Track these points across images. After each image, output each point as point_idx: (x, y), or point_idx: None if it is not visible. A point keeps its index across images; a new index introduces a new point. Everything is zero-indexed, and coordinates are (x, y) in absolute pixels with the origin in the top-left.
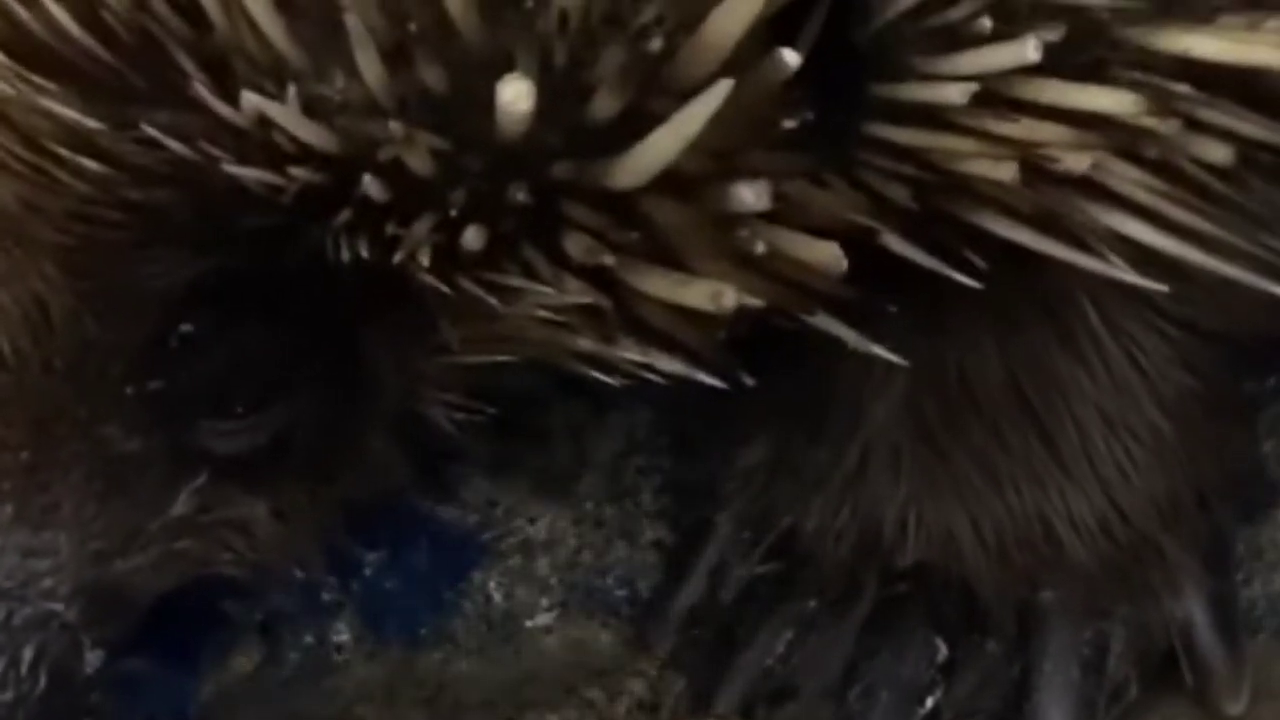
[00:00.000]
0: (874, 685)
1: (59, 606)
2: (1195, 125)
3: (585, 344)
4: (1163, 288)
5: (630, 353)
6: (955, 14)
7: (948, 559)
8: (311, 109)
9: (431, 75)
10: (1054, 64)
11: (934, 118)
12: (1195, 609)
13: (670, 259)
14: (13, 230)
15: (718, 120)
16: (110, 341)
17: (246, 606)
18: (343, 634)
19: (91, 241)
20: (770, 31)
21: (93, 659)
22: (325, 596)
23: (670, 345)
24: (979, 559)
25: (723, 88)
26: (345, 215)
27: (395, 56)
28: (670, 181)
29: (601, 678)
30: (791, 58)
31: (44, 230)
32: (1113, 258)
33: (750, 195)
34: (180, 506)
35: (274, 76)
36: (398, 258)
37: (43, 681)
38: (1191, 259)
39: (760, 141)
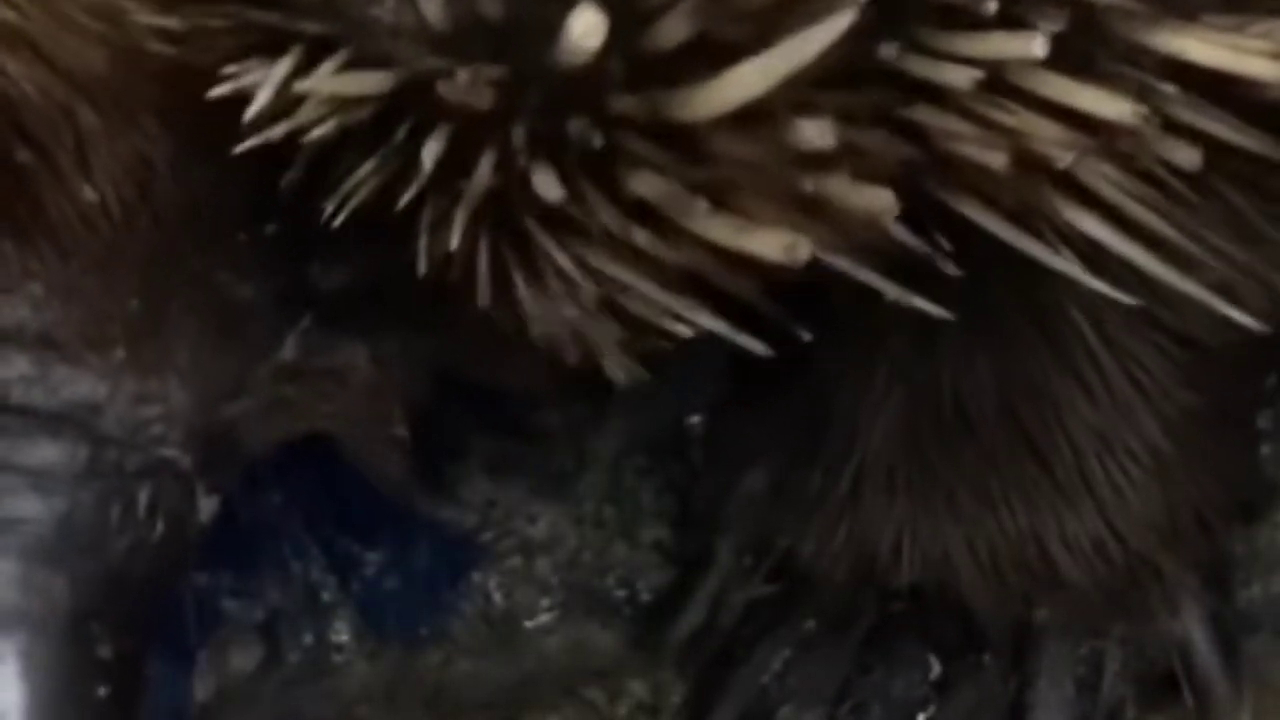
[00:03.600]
0: (866, 701)
1: (173, 453)
2: (1168, 126)
3: (644, 295)
4: (1129, 299)
5: (686, 309)
6: None
7: (943, 579)
8: (363, 36)
9: (488, 1)
10: (1050, 55)
11: (935, 95)
12: (1194, 628)
13: (732, 204)
14: (108, 90)
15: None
16: (218, 190)
17: (246, 606)
18: (342, 634)
19: (190, 97)
20: None
21: (207, 505)
22: (325, 596)
23: (720, 303)
24: (974, 579)
25: (827, 29)
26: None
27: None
28: (742, 115)
29: (602, 678)
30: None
31: (140, 88)
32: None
33: (816, 132)
34: (287, 351)
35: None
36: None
37: (159, 528)
38: (1151, 269)
39: (826, 76)
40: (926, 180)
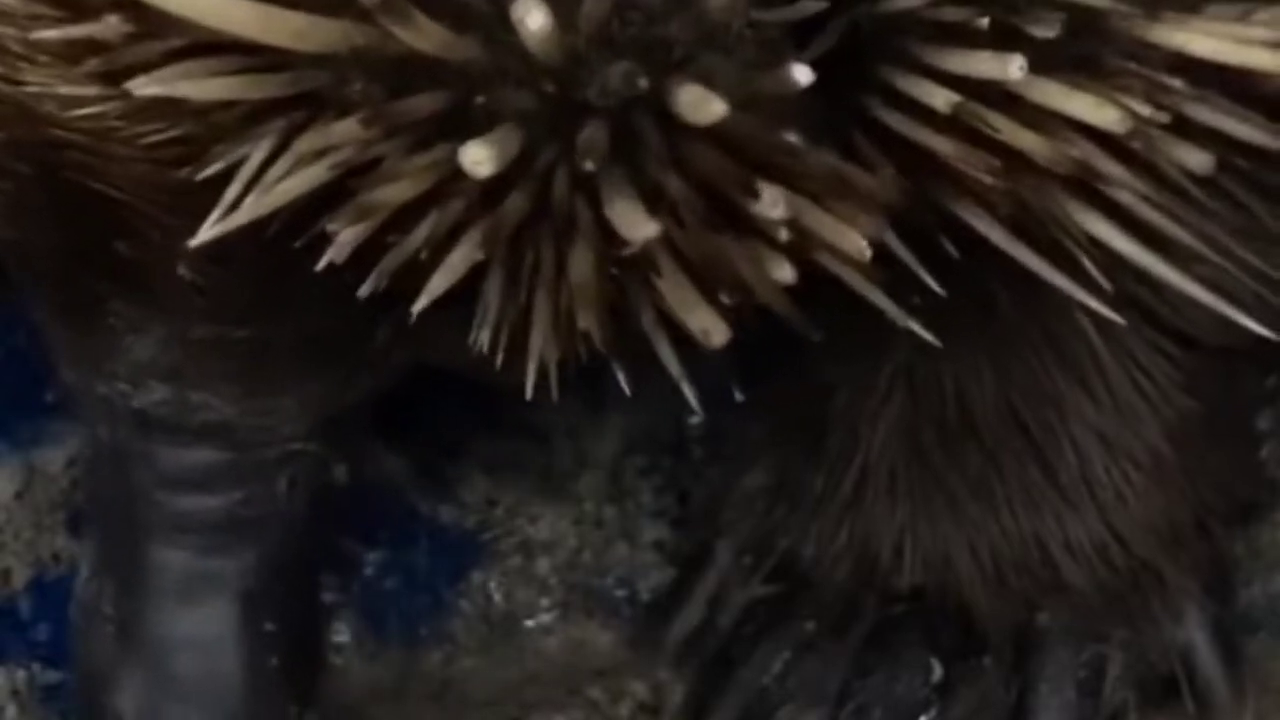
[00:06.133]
0: (867, 703)
1: (300, 444)
2: (1179, 129)
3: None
4: (1118, 319)
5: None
6: (957, 12)
7: (944, 582)
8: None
9: (428, 97)
10: (1048, 58)
11: (924, 110)
12: (1196, 634)
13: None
14: (175, 196)
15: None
16: (283, 252)
17: None
18: (343, 634)
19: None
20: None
21: (340, 472)
22: (325, 596)
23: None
24: (975, 582)
25: None
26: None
27: (393, 85)
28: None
29: (602, 678)
30: (803, 74)
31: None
32: (1086, 265)
33: (769, 201)
34: (380, 338)
35: None
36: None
37: (302, 505)
38: (1159, 272)
39: (773, 142)
40: (928, 187)
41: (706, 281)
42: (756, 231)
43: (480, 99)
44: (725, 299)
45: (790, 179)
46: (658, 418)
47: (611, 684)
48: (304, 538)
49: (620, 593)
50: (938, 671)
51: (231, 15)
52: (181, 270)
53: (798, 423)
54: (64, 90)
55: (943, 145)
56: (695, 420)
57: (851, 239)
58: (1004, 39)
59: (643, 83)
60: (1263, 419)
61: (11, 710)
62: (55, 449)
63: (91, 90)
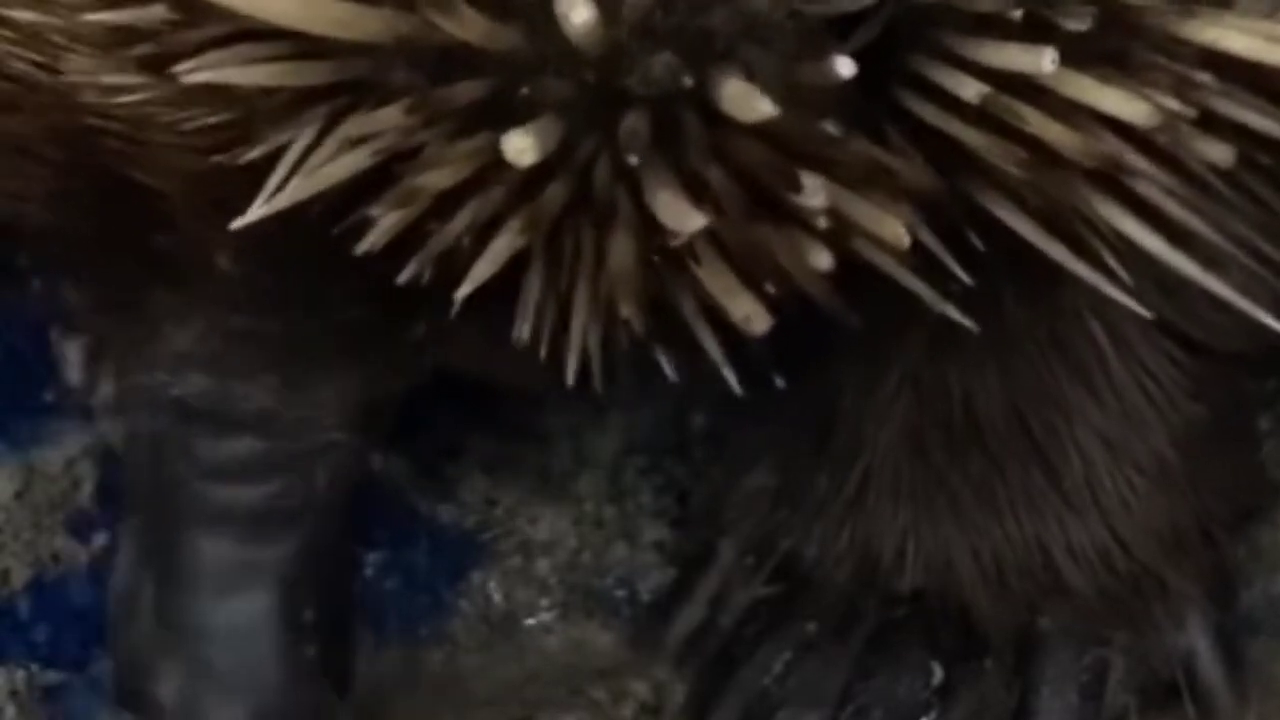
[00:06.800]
0: (868, 705)
1: (338, 435)
2: (1203, 122)
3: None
4: (1146, 314)
5: (691, 317)
6: (990, 3)
7: (946, 585)
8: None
9: (471, 85)
10: (1079, 51)
11: (954, 101)
12: (1198, 640)
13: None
14: (209, 190)
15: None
16: (318, 247)
17: None
18: None
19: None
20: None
21: (375, 461)
22: None
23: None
24: (977, 585)
25: None
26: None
27: (436, 73)
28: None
29: (603, 678)
30: (845, 66)
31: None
32: (1110, 261)
33: (809, 190)
34: (417, 331)
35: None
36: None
37: (339, 495)
38: (1183, 269)
39: (813, 133)
40: (958, 179)
41: (746, 269)
42: (796, 220)
43: (522, 88)
44: (768, 286)
45: (828, 168)
46: (659, 418)
47: (613, 684)
48: (341, 527)
49: (620, 593)
50: (939, 674)
51: (274, 4)
52: (218, 260)
53: (801, 423)
54: (106, 79)
55: (971, 137)
56: (697, 420)
57: (891, 226)
58: (1036, 32)
59: (687, 80)
60: (1263, 420)
61: (11, 710)
62: (55, 449)
63: (134, 79)
